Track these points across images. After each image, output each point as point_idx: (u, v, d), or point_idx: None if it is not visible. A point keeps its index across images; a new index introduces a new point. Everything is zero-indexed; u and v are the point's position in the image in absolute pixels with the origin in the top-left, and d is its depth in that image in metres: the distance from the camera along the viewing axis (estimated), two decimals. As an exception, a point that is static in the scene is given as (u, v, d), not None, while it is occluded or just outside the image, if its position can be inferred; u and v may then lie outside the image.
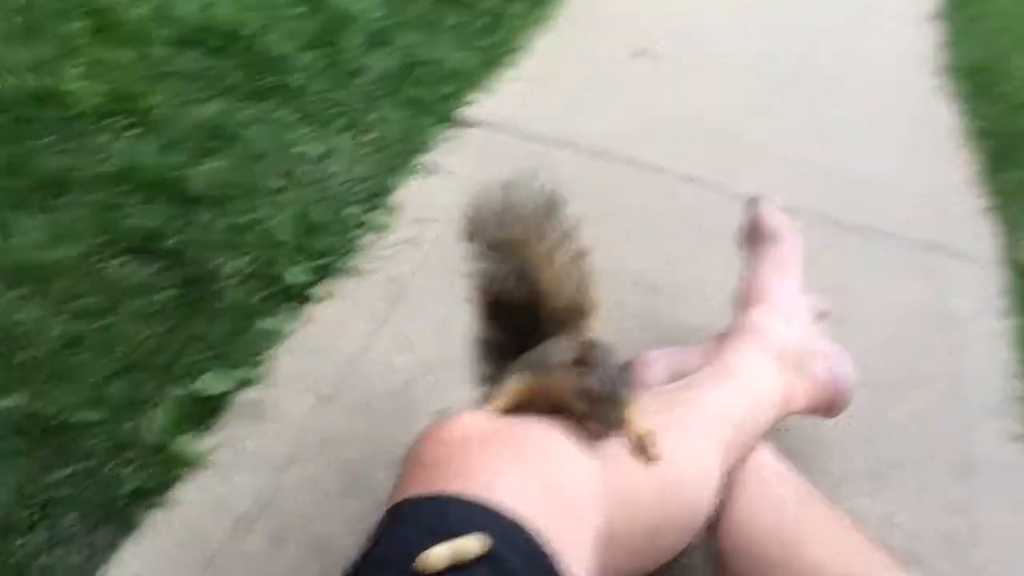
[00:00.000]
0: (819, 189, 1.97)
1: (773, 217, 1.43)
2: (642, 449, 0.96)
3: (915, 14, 3.00)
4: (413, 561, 0.75)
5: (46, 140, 1.69)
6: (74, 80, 1.86)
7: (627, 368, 0.95)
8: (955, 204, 1.99)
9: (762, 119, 2.23)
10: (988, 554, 1.25)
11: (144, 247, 1.51)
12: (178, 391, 1.27)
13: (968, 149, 2.20)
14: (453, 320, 1.51)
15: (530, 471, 0.88)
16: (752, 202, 1.45)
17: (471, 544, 0.77)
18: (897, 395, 1.48)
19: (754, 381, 1.20)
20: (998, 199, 2.00)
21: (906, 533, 1.26)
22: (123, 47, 2.02)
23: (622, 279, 1.65)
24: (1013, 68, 2.51)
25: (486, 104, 2.11)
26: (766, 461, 1.15)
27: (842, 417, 1.37)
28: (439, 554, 0.76)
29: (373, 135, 1.91)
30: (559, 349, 1.00)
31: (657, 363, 1.34)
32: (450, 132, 2.00)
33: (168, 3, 2.17)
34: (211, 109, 1.88)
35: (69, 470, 1.14)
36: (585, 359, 0.93)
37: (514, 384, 1.01)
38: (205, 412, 1.27)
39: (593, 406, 0.93)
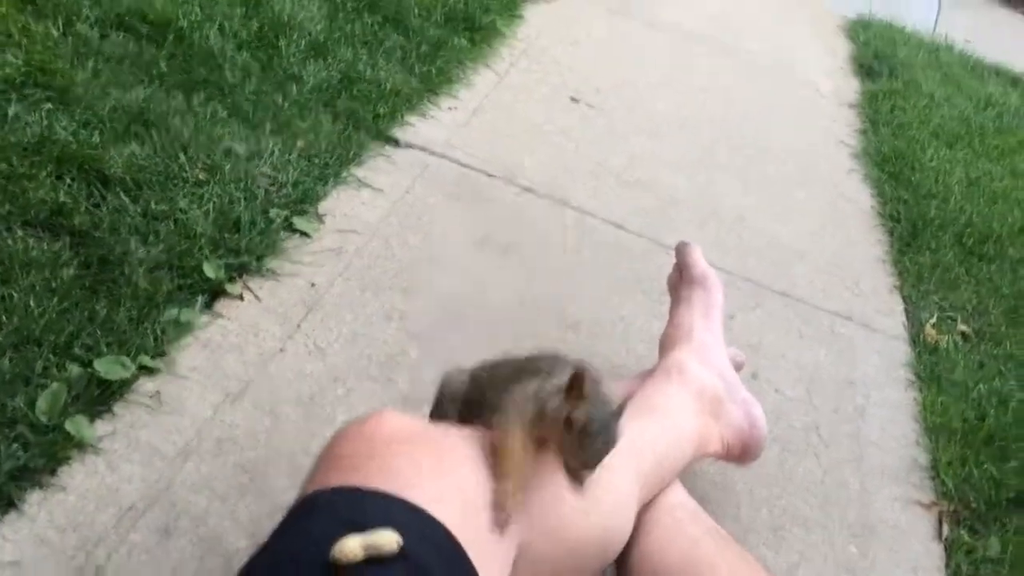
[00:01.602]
0: (740, 249, 2.02)
1: (701, 263, 1.45)
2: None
3: (838, 99, 3.15)
4: (325, 552, 0.71)
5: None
6: (-9, 47, 1.76)
7: (619, 410, 0.92)
8: (866, 279, 2.07)
9: (689, 174, 2.28)
10: (886, 610, 1.26)
11: (50, 222, 1.42)
12: (74, 371, 1.19)
13: (880, 229, 2.30)
14: (367, 334, 1.48)
15: (453, 481, 0.85)
16: (683, 246, 1.47)
17: (387, 538, 0.73)
18: (803, 452, 1.51)
19: (675, 419, 1.20)
20: (905, 278, 2.09)
21: (806, 586, 1.27)
22: (47, 20, 1.93)
23: (544, 313, 1.64)
24: (925, 159, 2.65)
25: (421, 128, 2.09)
26: (681, 500, 1.15)
27: (751, 468, 1.39)
28: (353, 546, 0.71)
29: (304, 142, 1.87)
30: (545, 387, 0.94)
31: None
32: (383, 150, 1.97)
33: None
34: (136, 94, 1.80)
35: (-56, 439, 1.04)
36: (578, 388, 0.89)
37: (513, 439, 0.91)
38: (101, 396, 1.19)
39: (581, 440, 0.89)
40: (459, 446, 0.90)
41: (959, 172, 2.66)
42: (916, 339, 1.88)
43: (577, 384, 0.89)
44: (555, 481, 0.92)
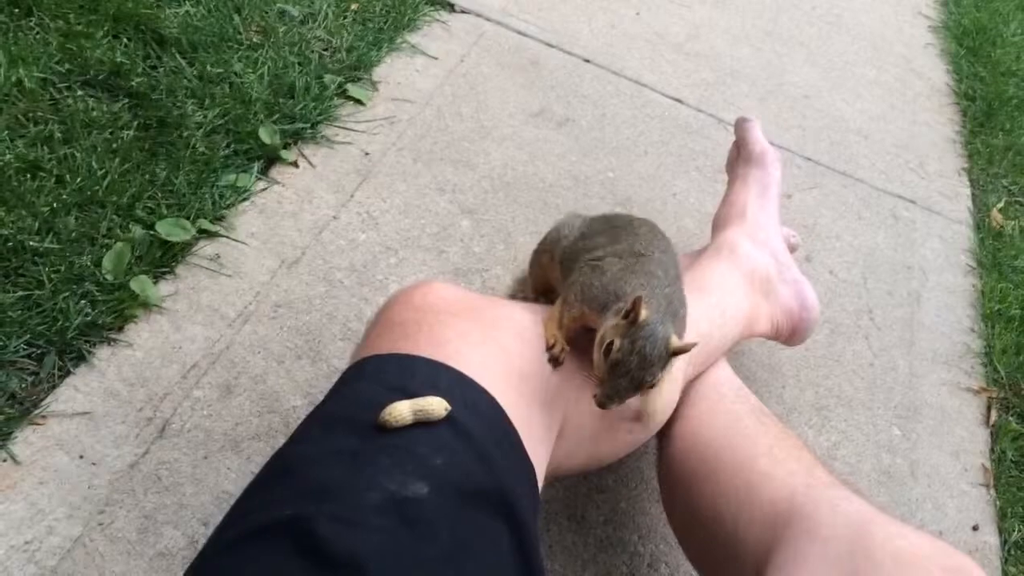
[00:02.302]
0: (802, 126, 1.96)
1: (761, 141, 1.41)
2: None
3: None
4: (375, 414, 0.74)
5: (12, -45, 1.57)
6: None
7: (665, 355, 0.85)
8: (933, 160, 1.99)
9: (754, 47, 2.19)
10: (924, 492, 1.28)
11: (108, 82, 1.43)
12: (137, 232, 1.22)
13: (953, 108, 2.20)
14: (419, 204, 1.48)
15: (500, 351, 0.86)
16: (743, 122, 1.43)
17: (435, 404, 0.75)
18: (854, 335, 1.50)
19: (723, 297, 1.20)
20: (975, 161, 2.01)
21: (847, 467, 1.29)
22: None
23: (597, 187, 1.62)
24: (1007, 34, 2.50)
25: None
26: (725, 377, 1.16)
27: (799, 349, 1.39)
28: (402, 409, 0.74)
29: (359, 4, 1.83)
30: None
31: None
32: (438, 15, 1.92)
33: None
34: (192, -47, 1.77)
35: (19, 294, 1.08)
36: (634, 318, 0.84)
37: (569, 313, 0.92)
38: (163, 258, 1.22)
39: (610, 371, 0.85)
40: (507, 316, 0.91)
41: (1044, 49, 2.51)
42: (981, 224, 1.83)
43: (634, 310, 0.84)
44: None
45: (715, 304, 1.17)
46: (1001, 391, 1.48)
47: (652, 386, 0.86)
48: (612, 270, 0.93)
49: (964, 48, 2.43)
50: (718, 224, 1.35)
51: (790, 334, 1.29)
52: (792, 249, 1.38)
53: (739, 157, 1.42)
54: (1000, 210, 1.87)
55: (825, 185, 1.81)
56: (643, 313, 0.84)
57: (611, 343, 0.84)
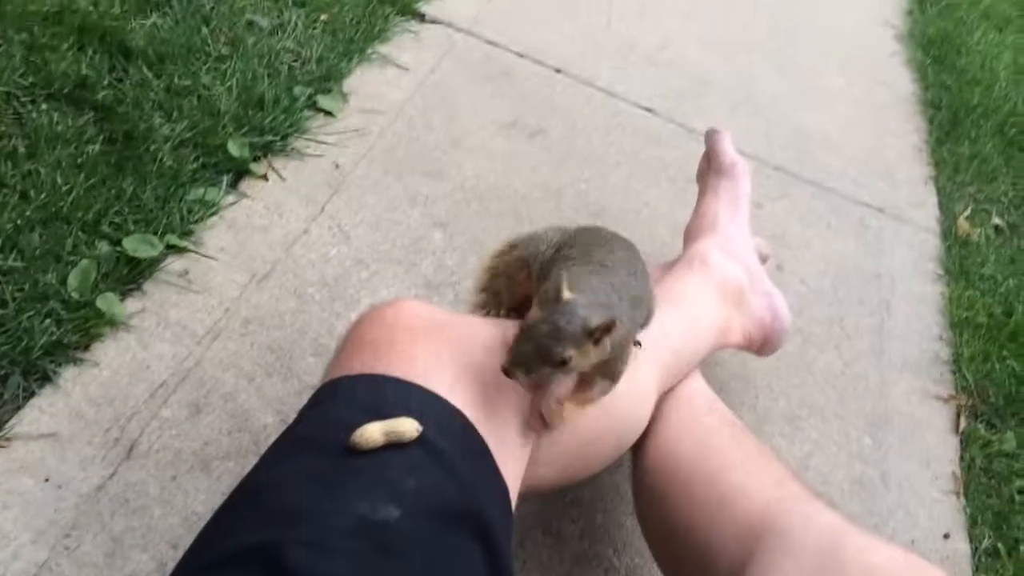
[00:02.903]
0: (771, 135, 1.98)
1: (731, 152, 1.42)
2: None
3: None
4: (346, 436, 0.73)
5: (-27, -32, 1.55)
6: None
7: (580, 334, 0.80)
8: (901, 169, 2.02)
9: (724, 56, 2.21)
10: (895, 500, 1.29)
11: (73, 96, 1.41)
12: (103, 249, 1.20)
13: (919, 117, 2.23)
14: (391, 217, 1.47)
15: (471, 370, 0.86)
16: (713, 133, 1.44)
17: (407, 425, 0.75)
18: (825, 344, 1.51)
19: (695, 309, 1.20)
20: (941, 169, 2.04)
21: (819, 476, 1.30)
22: None
23: (569, 198, 1.62)
24: (972, 43, 2.54)
25: (448, 3, 2.03)
26: (698, 389, 1.16)
27: (771, 359, 1.40)
28: (373, 432, 0.73)
29: (328, 15, 1.82)
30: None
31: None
32: (409, 25, 1.92)
33: None
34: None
35: (-20, 317, 1.07)
36: (556, 296, 0.81)
37: None
38: (131, 275, 1.21)
39: (519, 338, 0.81)
40: (478, 333, 0.91)
41: (1007, 57, 2.54)
42: (948, 232, 1.85)
43: (557, 289, 0.81)
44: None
45: (687, 316, 1.17)
46: (969, 398, 1.49)
47: (563, 363, 0.80)
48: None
49: (930, 57, 2.46)
50: (689, 236, 1.36)
51: (762, 344, 1.30)
52: (763, 259, 1.39)
53: (709, 168, 1.42)
54: (967, 218, 1.90)
55: (795, 194, 1.82)
56: (565, 293, 0.81)
57: (528, 315, 0.82)
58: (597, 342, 0.81)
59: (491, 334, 0.90)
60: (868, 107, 2.23)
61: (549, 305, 0.81)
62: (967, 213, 1.92)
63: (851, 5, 2.75)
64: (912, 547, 1.25)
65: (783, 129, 2.02)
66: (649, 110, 1.93)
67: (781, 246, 1.66)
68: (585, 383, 0.90)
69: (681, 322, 1.15)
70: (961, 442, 1.43)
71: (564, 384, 0.89)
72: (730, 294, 1.25)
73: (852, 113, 2.18)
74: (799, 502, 0.93)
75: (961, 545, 1.28)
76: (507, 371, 0.80)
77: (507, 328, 0.92)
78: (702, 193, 1.41)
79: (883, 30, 2.64)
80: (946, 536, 1.28)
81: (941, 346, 1.58)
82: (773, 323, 1.29)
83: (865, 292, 1.64)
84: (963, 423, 1.45)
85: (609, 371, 0.89)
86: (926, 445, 1.40)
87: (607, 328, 0.80)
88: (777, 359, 1.42)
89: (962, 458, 1.40)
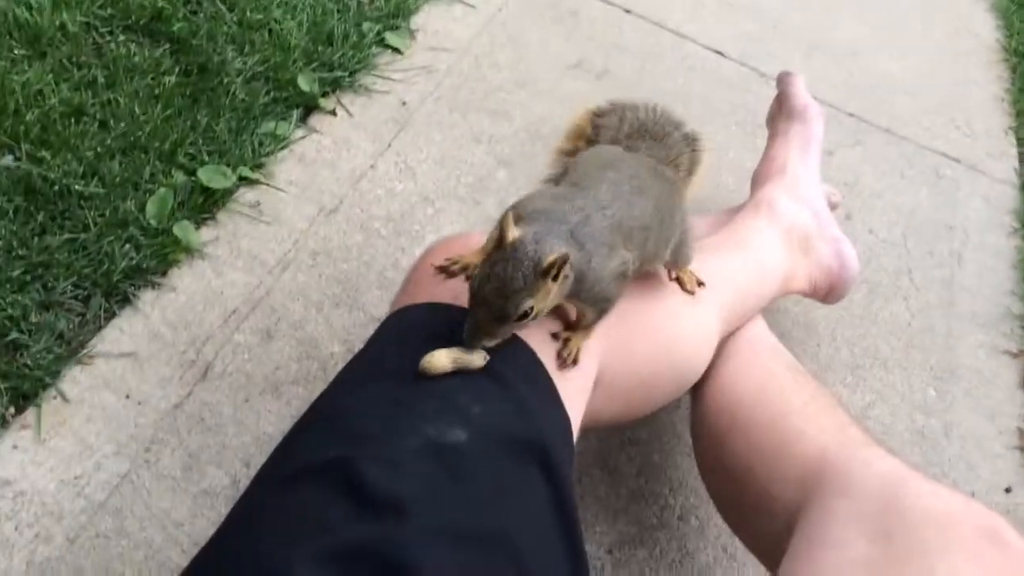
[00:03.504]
0: (847, 82, 1.92)
1: (804, 95, 1.39)
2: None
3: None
4: (414, 363, 0.75)
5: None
6: None
7: (532, 276, 0.71)
8: (980, 119, 1.95)
9: (803, 4, 2.14)
10: (957, 453, 1.28)
11: (150, 28, 1.44)
12: (179, 178, 1.23)
13: (1002, 65, 2.15)
14: (456, 155, 1.48)
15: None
16: (785, 76, 1.41)
17: (474, 355, 0.76)
18: (892, 295, 1.49)
19: (760, 254, 1.19)
20: (1022, 120, 1.96)
21: (880, 426, 1.29)
22: None
23: (637, 140, 1.61)
24: (1063, -10, 2.42)
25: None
26: (761, 334, 1.16)
27: (836, 308, 1.38)
28: (442, 358, 0.75)
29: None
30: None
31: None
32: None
33: None
34: None
35: (65, 237, 1.11)
36: (500, 241, 0.73)
37: None
38: (205, 204, 1.24)
39: (471, 305, 0.74)
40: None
41: (1100, 4, 2.42)
42: (1027, 184, 1.79)
43: (502, 230, 0.73)
44: (635, 313, 0.93)
45: (752, 259, 1.17)
46: (1040, 355, 1.46)
47: (524, 318, 0.73)
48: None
49: (1015, 4, 2.35)
50: (757, 180, 1.34)
51: (827, 292, 1.28)
52: (832, 207, 1.37)
53: (780, 112, 1.40)
54: (1047, 171, 1.83)
55: (868, 142, 1.78)
56: (511, 233, 0.72)
57: (474, 274, 0.74)
58: (556, 278, 0.72)
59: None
60: (948, 54, 2.15)
61: (495, 252, 0.72)
62: (1048, 165, 1.85)
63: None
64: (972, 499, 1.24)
65: (859, 76, 1.96)
66: (720, 53, 1.89)
67: (852, 195, 1.63)
68: (576, 313, 0.83)
69: (746, 265, 1.14)
70: (1029, 398, 1.40)
71: (549, 324, 0.83)
72: (797, 239, 1.24)
73: (931, 60, 2.11)
74: (860, 447, 0.93)
75: (1023, 499, 1.27)
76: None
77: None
78: (772, 137, 1.39)
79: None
80: (1008, 490, 1.26)
81: (1013, 301, 1.55)
82: (840, 271, 1.27)
83: (936, 244, 1.61)
84: (1032, 379, 1.43)
85: (595, 299, 0.81)
86: (992, 400, 1.37)
87: (563, 261, 0.71)
88: (842, 308, 1.41)
89: (1029, 412, 1.38)
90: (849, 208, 1.59)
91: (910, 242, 1.59)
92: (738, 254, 1.16)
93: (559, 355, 0.84)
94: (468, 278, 0.83)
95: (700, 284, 1.02)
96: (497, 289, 0.71)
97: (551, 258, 0.71)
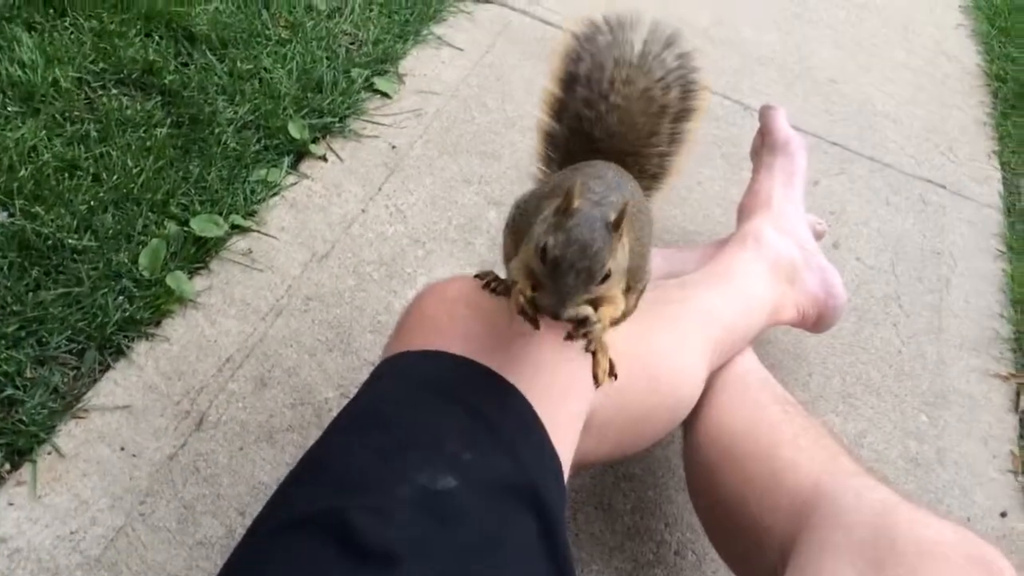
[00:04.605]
0: (829, 111, 1.95)
1: (785, 128, 1.42)
2: (597, 367, 0.84)
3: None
4: (406, 410, 0.76)
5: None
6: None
7: (607, 234, 0.73)
8: (963, 144, 1.97)
9: (781, 32, 2.18)
10: (951, 479, 1.29)
11: (141, 80, 1.46)
12: (171, 229, 1.25)
13: (983, 90, 2.18)
14: (446, 196, 1.50)
15: (527, 349, 0.88)
16: (767, 109, 1.43)
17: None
18: (881, 322, 1.50)
19: (747, 286, 1.21)
20: (1005, 143, 1.99)
21: (874, 454, 1.30)
22: None
23: (624, 176, 1.63)
24: (1040, 14, 2.47)
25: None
26: (750, 366, 1.17)
27: (826, 337, 1.39)
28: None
29: (385, -2, 1.85)
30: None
31: (655, 261, 1.34)
32: (463, 6, 1.93)
33: None
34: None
35: (59, 291, 1.12)
36: (566, 207, 0.74)
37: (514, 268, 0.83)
38: (198, 253, 1.25)
39: (553, 274, 0.73)
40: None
41: (1078, 27, 2.46)
42: (1011, 208, 1.81)
43: (566, 200, 0.74)
44: (623, 353, 0.94)
45: (739, 292, 1.18)
46: (1031, 377, 1.47)
47: (606, 279, 0.74)
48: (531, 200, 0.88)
49: (996, 28, 2.39)
50: (743, 213, 1.36)
51: (816, 321, 1.30)
52: (818, 236, 1.39)
53: (764, 145, 1.42)
54: (1031, 193, 1.86)
55: (852, 171, 1.80)
56: (576, 200, 0.74)
57: (546, 243, 0.74)
58: (618, 229, 0.74)
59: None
60: (930, 81, 2.19)
61: (563, 219, 0.74)
62: (1032, 188, 1.87)
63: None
64: (967, 525, 1.23)
65: (842, 104, 1.99)
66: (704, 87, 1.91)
67: (838, 223, 1.65)
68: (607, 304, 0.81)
69: (733, 299, 1.16)
70: (1021, 421, 1.41)
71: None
72: (783, 271, 1.26)
73: (914, 88, 2.14)
74: (851, 476, 0.94)
75: (1018, 524, 1.27)
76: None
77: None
78: (756, 170, 1.41)
79: (948, 1, 2.58)
80: (1003, 515, 1.27)
81: (1002, 323, 1.56)
82: (827, 299, 1.28)
83: (924, 269, 1.62)
84: (1023, 402, 1.43)
85: (637, 272, 0.83)
86: (984, 424, 1.38)
87: (623, 211, 0.74)
88: (832, 337, 1.42)
89: (1021, 436, 1.38)
90: (836, 236, 1.61)
91: (898, 268, 1.61)
92: (725, 287, 1.17)
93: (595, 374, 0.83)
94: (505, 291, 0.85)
95: (612, 375, 0.88)
96: (580, 250, 0.72)
97: (619, 209, 0.74)
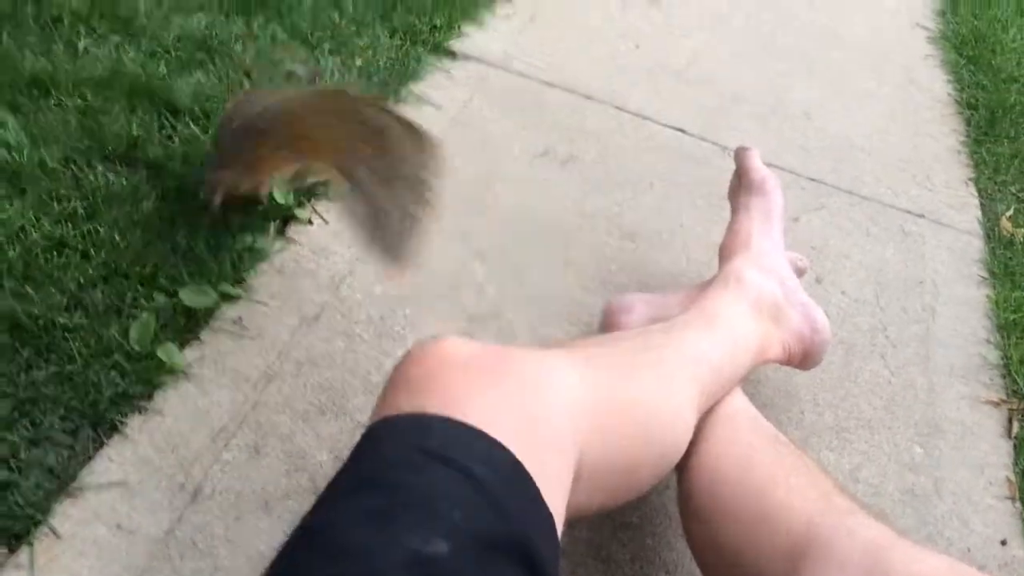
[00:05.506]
0: (804, 146, 1.98)
1: (760, 168, 1.44)
2: None
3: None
4: (396, 474, 0.76)
5: (30, 39, 1.64)
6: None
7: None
8: (938, 172, 2.01)
9: (753, 68, 2.23)
10: (949, 509, 1.29)
11: (127, 156, 1.49)
12: (160, 301, 1.26)
13: (956, 119, 2.22)
14: (432, 253, 1.51)
15: (512, 401, 0.89)
16: (741, 151, 1.46)
17: None
18: (869, 354, 1.51)
19: (732, 327, 1.22)
20: (981, 170, 2.02)
21: (869, 488, 1.30)
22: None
23: (603, 223, 1.65)
24: (1007, 40, 2.52)
25: (478, 39, 2.08)
26: (740, 407, 1.18)
27: (815, 372, 1.41)
28: None
29: (363, 59, 1.88)
30: None
31: (636, 307, 1.36)
32: (441, 63, 1.97)
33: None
34: (198, 21, 1.83)
35: (51, 371, 1.13)
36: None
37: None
38: (187, 324, 1.26)
39: None
40: (517, 362, 0.93)
41: (1044, 52, 2.52)
42: (991, 233, 1.84)
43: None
44: (608, 401, 0.95)
45: (724, 335, 1.19)
46: (1021, 402, 1.48)
47: None
48: None
49: (964, 57, 2.45)
50: (724, 254, 1.38)
51: (803, 358, 1.31)
52: (800, 272, 1.41)
53: (740, 186, 1.44)
54: (1009, 218, 1.88)
55: (831, 205, 1.83)
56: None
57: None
58: None
59: (530, 362, 0.93)
60: (903, 112, 2.23)
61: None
62: (1010, 213, 1.90)
63: (881, 9, 2.75)
64: (968, 555, 1.24)
65: (816, 138, 2.02)
66: (681, 130, 1.95)
67: (820, 258, 1.67)
68: None
69: (719, 340, 1.17)
70: (1015, 447, 1.42)
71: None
72: (766, 309, 1.27)
73: (887, 119, 2.18)
74: (844, 515, 0.94)
75: (1019, 551, 1.27)
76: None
77: (543, 357, 0.95)
78: (735, 211, 1.43)
79: (915, 32, 2.64)
80: (1003, 543, 1.27)
81: (989, 350, 1.58)
82: (812, 335, 1.30)
83: (908, 299, 1.64)
84: (1015, 427, 1.44)
85: None
86: (978, 451, 1.39)
87: None
88: (821, 372, 1.43)
89: (1016, 463, 1.39)
90: (819, 271, 1.63)
91: (882, 300, 1.63)
92: (710, 330, 1.19)
93: None
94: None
95: None
96: None
97: None
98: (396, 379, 0.92)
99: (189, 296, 1.29)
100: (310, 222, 1.52)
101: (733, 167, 1.49)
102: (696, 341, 1.14)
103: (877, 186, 1.91)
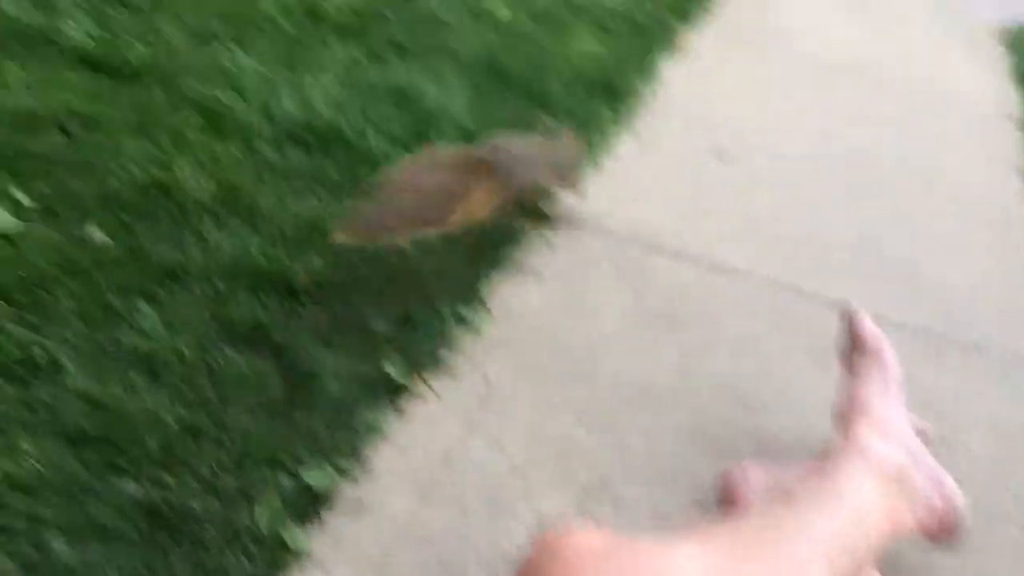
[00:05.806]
0: (911, 296, 1.97)
1: (871, 330, 1.43)
2: None
3: (1001, 115, 3.01)
4: None
5: (163, 230, 1.77)
6: (186, 173, 1.95)
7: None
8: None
9: (845, 219, 2.24)
10: None
11: (252, 339, 1.57)
12: (285, 483, 1.30)
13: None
14: (541, 423, 1.53)
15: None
16: (850, 314, 1.46)
17: None
18: (1014, 519, 1.44)
19: (860, 503, 1.19)
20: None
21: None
22: (230, 141, 2.12)
23: (711, 388, 1.65)
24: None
25: (577, 205, 2.15)
26: (875, 586, 1.13)
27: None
28: None
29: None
30: None
31: (755, 475, 1.34)
32: (541, 232, 2.04)
33: (272, 101, 2.28)
34: (311, 204, 1.95)
35: (186, 557, 1.17)
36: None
37: None
38: (309, 505, 1.30)
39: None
40: (646, 556, 0.93)
41: None
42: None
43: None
44: None
45: (853, 511, 1.16)
46: None
47: None
48: None
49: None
50: (841, 420, 1.35)
51: (939, 530, 1.26)
52: (923, 435, 1.37)
53: (853, 349, 1.43)
54: None
55: (944, 355, 1.79)
56: None
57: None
58: None
59: (669, 558, 0.92)
60: (1004, 254, 2.20)
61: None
62: None
63: (974, 153, 2.76)
64: None
65: (921, 287, 2.00)
66: (778, 284, 1.96)
67: (941, 416, 1.62)
68: None
69: (848, 521, 1.14)
70: None
71: None
72: (894, 481, 1.24)
73: (989, 262, 2.15)
74: None
75: None
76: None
77: (678, 550, 0.94)
78: (849, 375, 1.42)
79: (1006, 169, 2.63)
80: None
81: None
82: (944, 505, 1.25)
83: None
84: None
85: None
86: None
87: None
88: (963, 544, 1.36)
89: None
90: (942, 431, 1.58)
91: (1016, 457, 1.56)
92: (839, 507, 1.15)
93: None
94: None
95: None
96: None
97: None
98: (529, 573, 0.92)
99: (311, 476, 1.33)
100: (422, 396, 1.56)
101: (835, 320, 1.49)
102: (825, 523, 1.11)
103: (988, 331, 1.87)
